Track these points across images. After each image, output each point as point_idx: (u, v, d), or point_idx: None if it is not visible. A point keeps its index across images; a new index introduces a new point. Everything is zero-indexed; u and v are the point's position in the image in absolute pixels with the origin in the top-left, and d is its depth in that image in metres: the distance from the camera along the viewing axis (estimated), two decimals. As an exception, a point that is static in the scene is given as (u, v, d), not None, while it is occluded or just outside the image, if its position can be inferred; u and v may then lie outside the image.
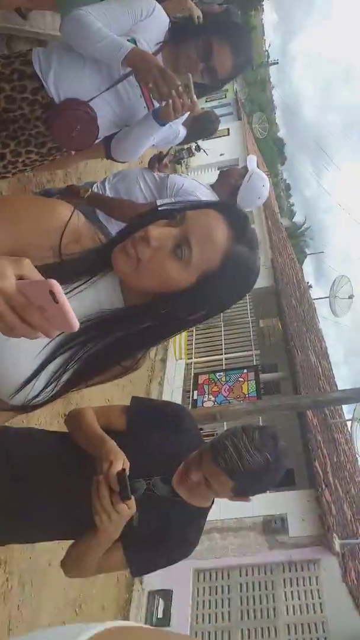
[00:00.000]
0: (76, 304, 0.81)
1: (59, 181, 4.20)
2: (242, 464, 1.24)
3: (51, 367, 0.88)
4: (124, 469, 1.20)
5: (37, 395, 0.89)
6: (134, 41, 1.75)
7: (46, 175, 3.96)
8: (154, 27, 1.83)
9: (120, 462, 1.22)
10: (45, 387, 0.88)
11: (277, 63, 36.14)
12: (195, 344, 9.35)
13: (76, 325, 0.65)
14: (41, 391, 0.89)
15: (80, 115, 1.81)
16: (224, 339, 9.42)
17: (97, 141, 2.00)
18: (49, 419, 3.64)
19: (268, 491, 1.46)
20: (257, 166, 2.59)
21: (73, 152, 2.13)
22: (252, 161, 2.55)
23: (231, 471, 1.25)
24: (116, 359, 0.94)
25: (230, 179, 2.54)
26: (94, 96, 1.81)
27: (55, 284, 0.63)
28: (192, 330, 9.36)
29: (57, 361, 0.88)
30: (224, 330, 9.53)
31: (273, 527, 5.52)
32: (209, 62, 1.80)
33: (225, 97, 22.46)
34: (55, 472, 1.38)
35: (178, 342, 8.58)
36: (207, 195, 2.41)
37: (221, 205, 0.95)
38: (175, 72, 1.72)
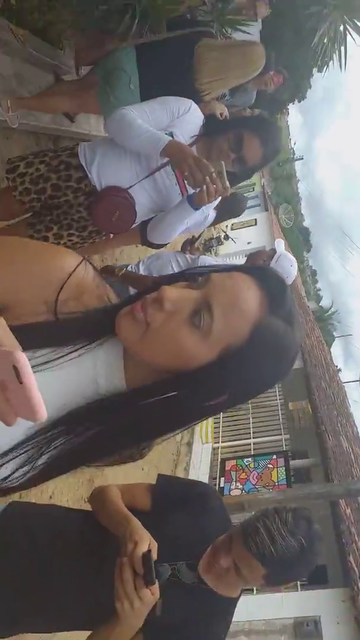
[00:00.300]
0: (64, 376, 0.74)
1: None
2: (274, 548, 1.18)
3: (29, 448, 0.72)
4: (149, 551, 1.14)
5: (7, 478, 0.74)
6: (171, 135, 1.92)
7: (83, 259, 4.16)
8: (190, 122, 2.02)
9: (146, 543, 1.16)
10: (19, 469, 0.73)
11: (302, 159, 38.23)
12: (223, 426, 9.15)
13: (42, 415, 0.52)
14: (12, 474, 0.73)
15: (119, 202, 1.97)
16: (252, 422, 9.19)
17: (134, 225, 2.15)
18: (71, 504, 3.55)
19: (300, 585, 1.36)
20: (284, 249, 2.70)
21: (112, 235, 2.28)
22: (280, 244, 2.66)
23: (263, 556, 1.19)
24: (108, 451, 0.79)
25: (258, 260, 2.66)
26: (132, 184, 1.97)
27: (21, 357, 0.51)
28: (220, 413, 9.19)
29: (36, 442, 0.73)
30: (252, 413, 9.33)
31: (305, 630, 5.05)
32: (239, 152, 1.97)
33: (253, 190, 23.61)
34: (77, 552, 1.34)
35: (205, 425, 8.41)
36: None
37: (254, 268, 0.78)
38: (208, 161, 1.86)
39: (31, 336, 0.70)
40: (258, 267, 0.82)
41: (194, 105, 2.05)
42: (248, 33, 3.97)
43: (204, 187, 1.82)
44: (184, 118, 2.00)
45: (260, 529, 1.21)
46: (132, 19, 3.04)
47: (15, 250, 0.77)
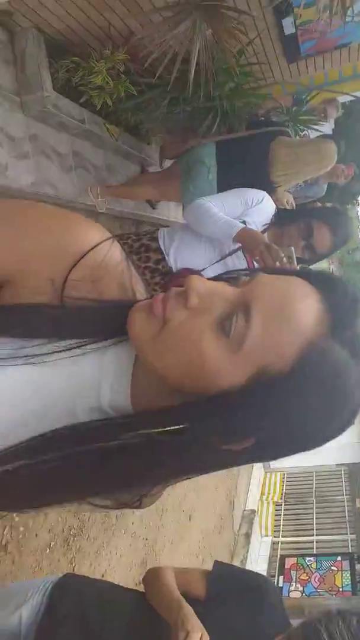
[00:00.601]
0: (58, 375, 0.60)
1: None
2: None
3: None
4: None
5: None
6: (244, 223, 2.03)
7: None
8: (263, 212, 2.13)
9: (198, 634, 1.10)
10: None
11: (371, 247, 38.17)
12: (284, 520, 8.60)
13: None
14: None
15: None
16: (316, 518, 8.59)
17: None
18: (123, 584, 3.40)
19: None
20: None
21: None
22: None
23: None
24: (89, 487, 0.62)
25: None
26: (205, 267, 2.05)
27: None
28: (281, 504, 8.70)
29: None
30: (316, 508, 8.74)
31: None
32: (309, 240, 2.07)
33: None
34: (125, 635, 1.27)
35: (265, 516, 7.95)
36: None
37: (321, 274, 0.60)
38: (279, 248, 1.98)
39: (24, 320, 0.59)
40: (326, 274, 0.60)
41: (267, 197, 2.18)
42: (320, 131, 4.23)
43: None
44: (257, 208, 2.12)
45: (322, 632, 1.10)
46: (213, 119, 3.32)
47: (34, 215, 0.62)
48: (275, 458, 0.60)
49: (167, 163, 3.59)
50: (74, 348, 0.60)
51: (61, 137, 2.70)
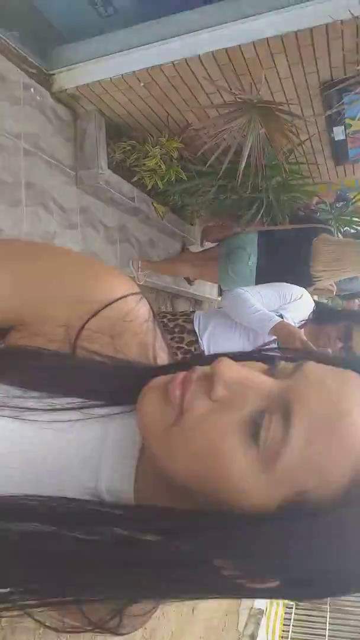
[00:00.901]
0: (59, 440, 0.51)
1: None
2: None
3: None
4: None
5: None
6: (281, 317, 2.04)
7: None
8: (301, 308, 2.14)
9: None
10: None
11: None
12: (293, 625, 7.92)
13: None
14: None
15: None
16: (329, 628, 7.88)
17: None
18: None
19: None
20: None
21: None
22: None
23: None
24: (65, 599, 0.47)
25: None
26: None
27: None
28: (292, 608, 8.04)
29: None
30: (330, 616, 8.03)
31: None
32: (347, 343, 2.04)
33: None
34: None
35: (273, 620, 7.35)
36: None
37: None
38: (315, 346, 1.96)
39: (21, 365, 0.52)
40: None
41: (306, 294, 2.20)
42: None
43: None
44: (296, 304, 2.14)
45: None
46: (258, 209, 3.45)
47: (62, 259, 0.57)
48: (303, 600, 0.47)
49: (207, 245, 3.72)
50: (76, 409, 0.51)
51: (110, 211, 2.84)
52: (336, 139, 3.75)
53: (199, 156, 2.98)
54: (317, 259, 2.91)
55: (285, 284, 2.20)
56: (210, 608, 5.24)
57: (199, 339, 2.13)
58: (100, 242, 2.74)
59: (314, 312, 2.17)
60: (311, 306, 2.19)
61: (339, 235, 3.92)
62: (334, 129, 3.65)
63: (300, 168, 3.66)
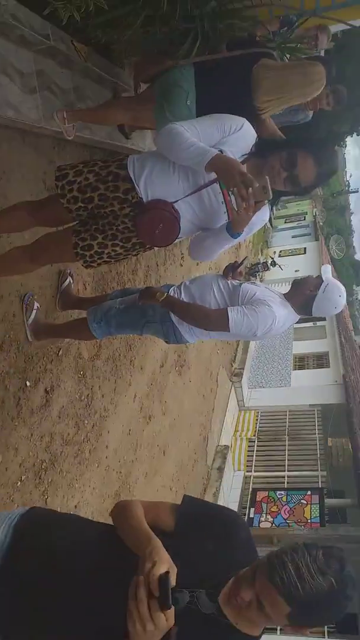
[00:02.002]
0: None
1: (139, 281, 4.44)
2: (302, 586, 1.06)
3: None
4: (167, 573, 1.05)
5: None
6: (220, 151, 1.87)
7: (127, 274, 4.22)
8: (241, 141, 1.98)
9: (165, 565, 1.08)
10: None
11: (357, 191, 37.65)
12: (257, 455, 8.92)
13: None
14: None
15: (164, 215, 1.96)
16: (288, 455, 8.92)
17: (177, 240, 2.12)
18: (95, 516, 3.52)
19: (328, 632, 1.25)
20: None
21: (156, 249, 2.27)
22: (327, 270, 2.56)
23: (289, 593, 1.08)
24: None
25: (304, 289, 2.53)
26: (178, 199, 1.95)
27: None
28: (254, 441, 8.99)
29: None
30: (289, 445, 9.06)
31: None
32: (292, 171, 1.92)
33: (304, 219, 23.47)
34: (93, 568, 1.27)
35: (238, 451, 8.22)
36: (279, 305, 2.42)
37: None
38: (258, 179, 1.83)
39: None
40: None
41: (247, 124, 2.02)
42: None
43: (241, 201, 1.80)
44: (236, 136, 1.97)
45: (288, 563, 1.09)
46: (193, 42, 3.09)
47: None
48: None
49: (143, 88, 3.36)
50: None
51: (23, 54, 2.48)
52: None
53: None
54: (259, 88, 2.69)
55: (223, 114, 2.02)
56: (180, 449, 5.77)
57: (136, 186, 1.96)
58: (17, 91, 2.42)
59: (256, 144, 2.02)
60: (253, 137, 2.03)
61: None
62: None
63: (236, -12, 3.24)
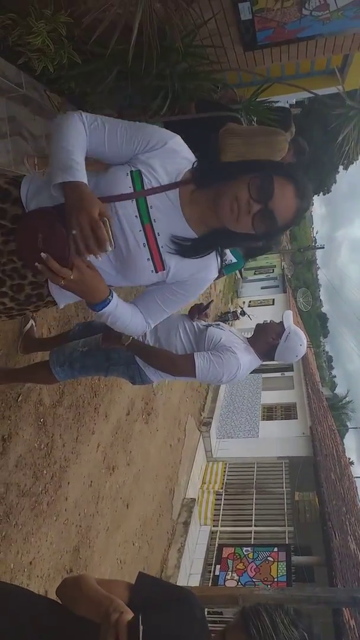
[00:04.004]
0: None
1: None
2: (277, 636, 1.04)
3: None
4: (137, 618, 1.03)
5: None
6: (138, 174, 1.34)
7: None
8: (168, 162, 1.39)
9: (131, 614, 1.05)
10: None
11: (323, 247, 39.18)
12: (224, 509, 8.68)
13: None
14: None
15: (39, 219, 1.30)
16: (255, 509, 8.72)
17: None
18: (52, 573, 3.31)
19: None
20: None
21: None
22: (289, 317, 2.60)
23: None
24: None
25: (267, 337, 2.56)
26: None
27: None
28: (222, 494, 8.78)
29: None
30: (256, 499, 8.87)
31: None
32: (266, 202, 1.30)
33: (273, 272, 24.11)
34: None
35: (205, 505, 8.00)
36: (244, 352, 2.44)
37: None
38: (207, 217, 1.39)
39: None
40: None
41: (177, 141, 1.43)
42: (276, 126, 4.16)
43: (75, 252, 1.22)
44: (157, 154, 1.38)
45: (263, 614, 1.09)
46: (163, 100, 3.22)
47: None
48: None
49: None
50: None
51: (-3, 100, 2.53)
52: (242, 18, 3.54)
53: (96, 37, 2.68)
54: (226, 151, 2.79)
55: (151, 126, 1.42)
56: (144, 502, 5.57)
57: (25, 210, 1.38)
58: (-13, 135, 2.46)
59: (199, 168, 1.45)
60: (186, 161, 1.45)
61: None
62: (240, 5, 3.42)
63: (206, 52, 3.44)
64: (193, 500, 7.38)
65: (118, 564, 4.61)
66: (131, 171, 1.34)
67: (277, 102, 4.27)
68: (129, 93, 3.18)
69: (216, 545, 7.76)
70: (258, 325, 2.68)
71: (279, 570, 7.38)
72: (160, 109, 3.22)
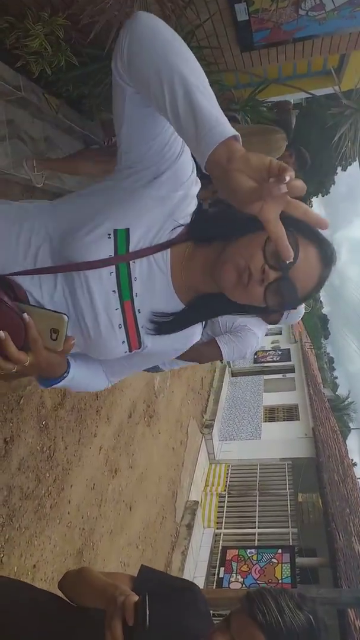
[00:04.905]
0: None
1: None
2: (282, 619, 1.04)
3: None
4: (145, 597, 1.03)
5: None
6: (125, 233, 0.96)
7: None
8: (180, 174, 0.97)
9: (137, 597, 1.05)
10: None
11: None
12: (227, 512, 8.66)
13: None
14: None
15: None
16: (259, 511, 8.69)
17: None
18: (56, 575, 3.30)
19: None
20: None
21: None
22: None
23: (269, 627, 1.03)
24: None
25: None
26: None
27: None
28: (225, 496, 8.76)
29: None
30: (259, 500, 8.85)
31: None
32: (287, 271, 0.95)
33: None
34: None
35: (208, 508, 7.98)
36: (256, 325, 2.55)
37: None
38: (199, 281, 1.05)
39: None
40: None
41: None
42: (272, 125, 4.17)
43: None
44: (178, 167, 0.96)
45: (268, 597, 1.08)
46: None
47: None
48: None
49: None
50: None
51: (-5, 103, 2.54)
52: (239, 19, 3.55)
53: (92, 39, 2.69)
54: None
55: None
56: (147, 505, 5.56)
57: None
58: (-14, 138, 2.46)
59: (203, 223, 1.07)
60: (192, 184, 1.04)
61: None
62: (236, 6, 3.43)
63: (204, 53, 3.44)
64: (196, 502, 7.36)
65: (122, 567, 4.59)
66: (116, 230, 0.95)
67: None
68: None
69: (220, 547, 7.74)
70: None
71: (283, 572, 7.35)
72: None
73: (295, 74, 5.58)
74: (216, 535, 8.02)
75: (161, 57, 0.83)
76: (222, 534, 8.12)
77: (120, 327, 1.04)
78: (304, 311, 2.75)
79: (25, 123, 2.77)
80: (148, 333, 1.08)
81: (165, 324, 1.09)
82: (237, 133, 0.83)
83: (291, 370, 14.14)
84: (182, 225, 1.01)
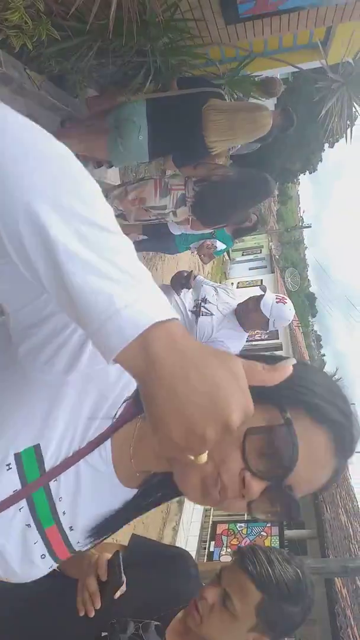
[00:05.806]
0: None
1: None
2: (272, 570, 1.09)
3: None
4: (117, 552, 1.08)
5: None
6: (32, 453, 0.67)
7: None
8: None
9: (110, 555, 1.10)
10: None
11: (310, 227, 39.16)
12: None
13: None
14: None
15: None
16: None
17: None
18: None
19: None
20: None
21: None
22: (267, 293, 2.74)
23: (260, 577, 1.09)
24: None
25: (250, 313, 2.70)
26: None
27: None
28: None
29: None
30: (248, 476, 9.01)
31: None
32: (281, 480, 0.67)
33: (261, 252, 24.11)
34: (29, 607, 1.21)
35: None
36: (235, 339, 2.56)
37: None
38: (149, 462, 0.75)
39: None
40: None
41: None
42: (261, 100, 4.11)
43: None
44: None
45: (259, 551, 1.14)
46: (145, 76, 3.17)
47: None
48: None
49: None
50: None
51: (-25, 79, 2.47)
52: (223, -11, 3.48)
53: (73, 12, 2.62)
54: (209, 128, 2.76)
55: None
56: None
57: None
58: (-33, 115, 2.40)
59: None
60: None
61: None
62: (220, -24, 3.36)
63: (187, 25, 3.38)
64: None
65: (113, 540, 4.67)
66: (18, 455, 0.66)
67: (261, 76, 4.21)
68: (110, 70, 3.13)
69: (210, 522, 7.89)
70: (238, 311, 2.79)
71: (272, 544, 7.53)
72: (142, 85, 3.17)
73: (282, 47, 5.48)
74: (206, 510, 8.16)
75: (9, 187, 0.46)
76: (212, 510, 8.26)
77: (43, 557, 0.75)
78: (292, 316, 2.79)
79: (6, 100, 2.71)
80: (89, 543, 0.80)
81: (112, 521, 0.78)
82: (165, 316, 0.49)
83: (279, 348, 14.27)
84: (126, 400, 0.70)
